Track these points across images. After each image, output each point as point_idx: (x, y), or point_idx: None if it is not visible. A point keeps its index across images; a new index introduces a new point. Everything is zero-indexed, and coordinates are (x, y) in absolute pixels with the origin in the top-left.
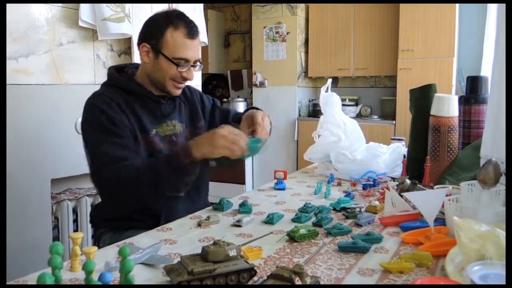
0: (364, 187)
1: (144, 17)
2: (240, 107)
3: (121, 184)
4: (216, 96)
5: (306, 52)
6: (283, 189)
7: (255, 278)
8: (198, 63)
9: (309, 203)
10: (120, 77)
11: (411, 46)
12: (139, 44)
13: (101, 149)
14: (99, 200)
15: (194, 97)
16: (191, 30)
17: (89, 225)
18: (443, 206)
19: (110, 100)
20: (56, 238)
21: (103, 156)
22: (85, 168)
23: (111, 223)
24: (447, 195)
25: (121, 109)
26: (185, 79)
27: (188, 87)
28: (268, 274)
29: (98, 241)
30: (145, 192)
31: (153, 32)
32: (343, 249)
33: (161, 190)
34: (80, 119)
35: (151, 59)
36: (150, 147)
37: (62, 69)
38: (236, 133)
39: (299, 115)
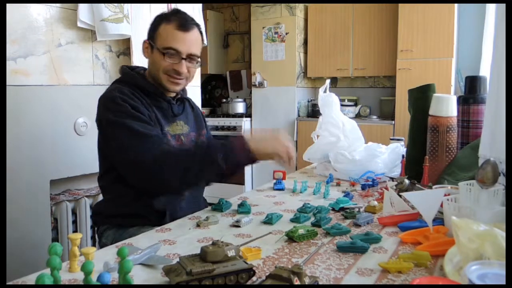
0: (363, 187)
1: (143, 17)
2: (240, 107)
3: (167, 162)
4: (215, 97)
5: (305, 53)
6: (282, 189)
7: (254, 278)
8: (197, 59)
9: (308, 203)
10: (134, 74)
11: (410, 47)
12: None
13: (136, 132)
14: (98, 200)
15: (198, 109)
16: (184, 22)
17: (88, 226)
18: (441, 206)
19: (129, 93)
20: (55, 239)
21: (140, 137)
22: (84, 169)
23: (115, 220)
24: (445, 195)
25: (140, 100)
26: (178, 73)
27: (190, 101)
28: (267, 274)
29: (100, 237)
30: (186, 173)
31: (151, 29)
32: (342, 249)
33: (201, 174)
34: (80, 119)
35: (148, 54)
36: None
37: (60, 70)
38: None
39: (298, 116)
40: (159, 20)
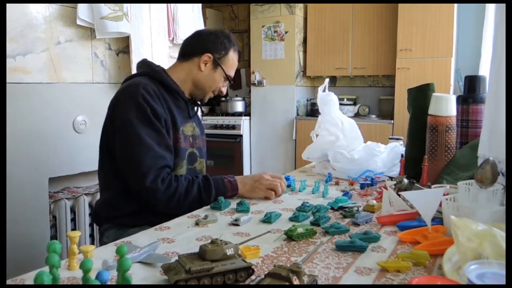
0: (362, 186)
1: (142, 16)
2: (239, 106)
3: (162, 190)
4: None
5: (305, 52)
6: (289, 185)
7: (253, 277)
8: None
9: (307, 202)
10: (159, 69)
11: (410, 46)
12: (198, 53)
13: (145, 143)
14: (97, 198)
15: (200, 116)
16: (240, 55)
17: (87, 224)
18: (440, 205)
19: (153, 92)
20: (53, 237)
21: (146, 149)
22: (83, 167)
23: (115, 220)
24: (444, 194)
25: (160, 102)
26: (220, 92)
27: (200, 106)
28: (266, 273)
29: (102, 236)
30: (176, 204)
31: (219, 47)
32: (341, 248)
33: (189, 207)
34: (79, 117)
35: (207, 68)
36: (175, 143)
37: (59, 68)
38: (277, 178)
39: (297, 115)
40: (229, 44)
